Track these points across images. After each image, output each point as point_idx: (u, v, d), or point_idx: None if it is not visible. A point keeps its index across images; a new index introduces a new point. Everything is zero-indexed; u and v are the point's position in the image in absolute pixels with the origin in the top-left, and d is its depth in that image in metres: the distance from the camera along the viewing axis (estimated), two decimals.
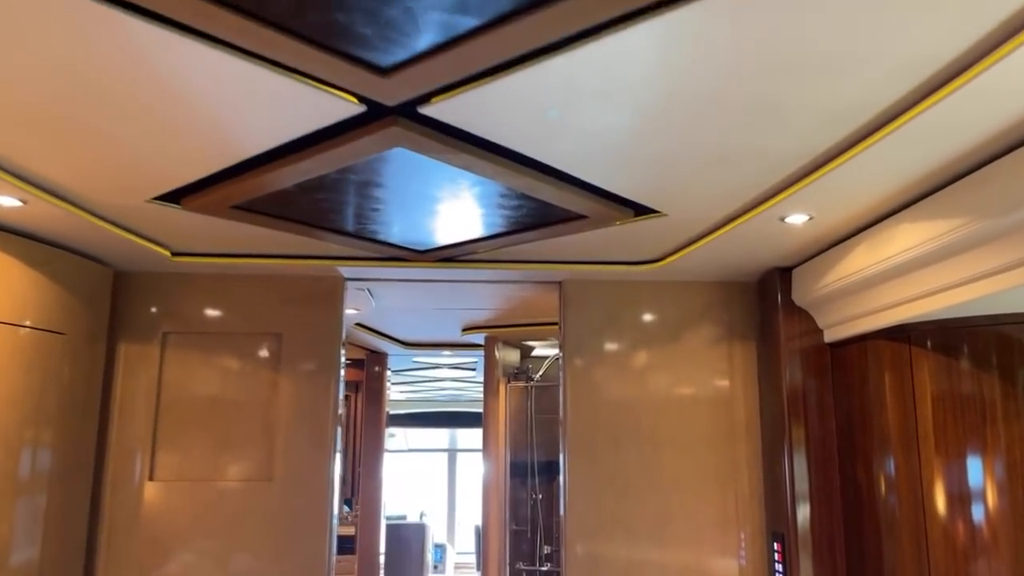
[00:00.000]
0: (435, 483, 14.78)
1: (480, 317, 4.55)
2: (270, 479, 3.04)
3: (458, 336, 5.01)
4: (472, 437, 14.36)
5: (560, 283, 3.30)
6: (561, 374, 3.26)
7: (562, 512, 3.14)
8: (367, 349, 5.68)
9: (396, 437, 14.19)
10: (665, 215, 2.43)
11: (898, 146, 1.81)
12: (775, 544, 2.94)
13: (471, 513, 13.58)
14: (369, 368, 5.82)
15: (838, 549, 2.83)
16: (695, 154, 1.93)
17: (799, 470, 2.88)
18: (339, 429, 3.20)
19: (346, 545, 6.43)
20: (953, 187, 2.03)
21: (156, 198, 2.31)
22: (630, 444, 3.16)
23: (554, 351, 5.32)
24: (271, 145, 1.90)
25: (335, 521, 3.12)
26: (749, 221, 2.39)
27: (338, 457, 3.20)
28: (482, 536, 4.74)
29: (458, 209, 2.43)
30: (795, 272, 2.98)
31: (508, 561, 4.72)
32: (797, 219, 2.36)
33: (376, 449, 5.71)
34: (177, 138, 1.86)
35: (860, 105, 1.65)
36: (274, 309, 3.17)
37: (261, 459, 3.06)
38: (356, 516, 5.88)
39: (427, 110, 1.68)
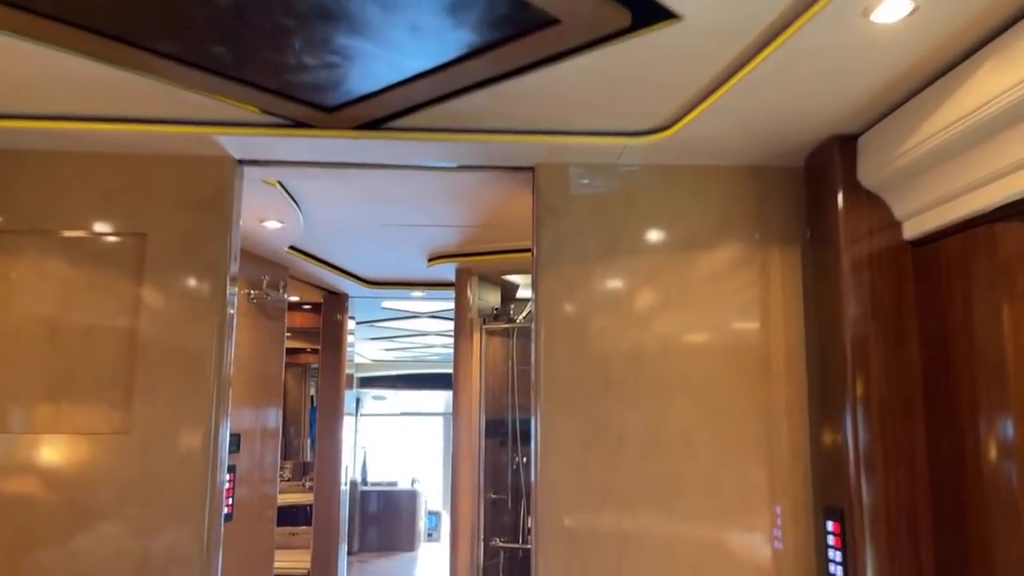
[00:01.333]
0: (431, 448, 14.12)
1: (447, 241, 3.69)
2: (127, 432, 2.21)
3: (424, 269, 4.15)
4: None
5: (532, 170, 2.42)
6: (533, 300, 2.40)
7: (533, 478, 2.31)
8: (322, 289, 4.84)
9: (387, 400, 13.50)
10: (680, 19, 1.54)
11: None
12: (829, 523, 2.10)
13: None
14: (327, 313, 4.99)
15: (922, 532, 1.98)
16: None
17: (865, 424, 2.02)
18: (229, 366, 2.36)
19: (305, 515, 5.69)
20: None
21: None
22: (626, 392, 2.31)
23: None
24: None
25: (223, 488, 2.30)
26: (811, 24, 1.50)
27: (223, 411, 2.37)
28: (451, 505, 3.95)
29: (365, 16, 1.55)
30: (863, 139, 2.09)
31: (482, 536, 3.93)
32: (892, 12, 1.46)
33: (334, 408, 4.90)
34: None
35: None
36: (136, 201, 2.30)
37: (116, 405, 2.22)
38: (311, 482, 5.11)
39: None
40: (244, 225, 3.05)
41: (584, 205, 2.39)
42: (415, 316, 6.30)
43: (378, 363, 11.51)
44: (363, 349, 9.74)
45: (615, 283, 2.37)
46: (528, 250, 3.62)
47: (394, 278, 4.62)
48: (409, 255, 3.94)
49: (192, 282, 2.29)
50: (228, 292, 2.32)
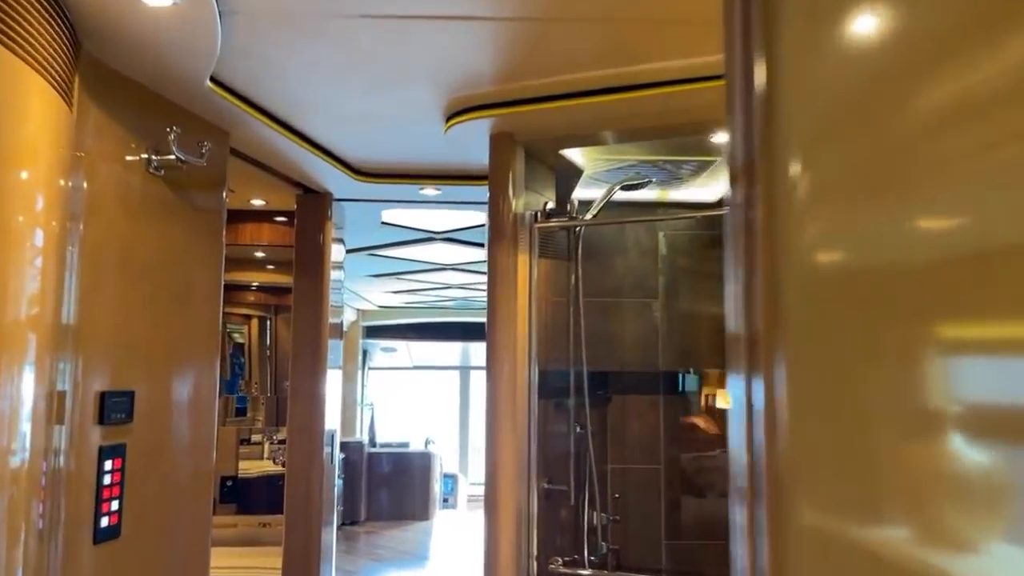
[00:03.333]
0: (445, 406, 12.96)
1: (478, 70, 2.17)
2: None
3: (440, 141, 2.65)
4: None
5: None
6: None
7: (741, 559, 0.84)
8: (294, 186, 3.36)
9: (398, 352, 12.21)
10: None
11: None
12: None
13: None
14: (302, 221, 3.51)
15: None
16: None
17: None
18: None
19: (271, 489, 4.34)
20: None
21: None
22: None
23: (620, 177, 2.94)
24: None
25: None
26: None
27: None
28: (487, 501, 2.52)
29: None
30: None
31: (535, 550, 2.51)
32: None
33: (313, 356, 3.47)
34: None
35: None
36: None
37: None
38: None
39: None
40: None
41: None
42: (427, 239, 4.83)
43: (386, 310, 10.15)
44: (367, 293, 8.34)
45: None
46: (628, 89, 2.12)
47: (395, 164, 3.13)
48: (415, 104, 2.43)
49: None
50: None
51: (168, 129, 2.11)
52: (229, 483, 5.57)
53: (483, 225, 4.37)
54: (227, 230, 3.96)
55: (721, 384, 3.55)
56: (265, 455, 6.29)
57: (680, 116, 2.28)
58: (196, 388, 2.41)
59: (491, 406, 2.50)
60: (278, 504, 3.63)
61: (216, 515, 4.87)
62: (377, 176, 3.22)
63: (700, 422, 3.56)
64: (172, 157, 2.15)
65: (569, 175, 2.96)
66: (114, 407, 2.01)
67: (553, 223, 2.64)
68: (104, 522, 1.99)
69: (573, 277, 2.83)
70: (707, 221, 3.61)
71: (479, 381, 13.03)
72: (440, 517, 9.39)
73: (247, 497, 5.53)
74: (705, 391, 3.57)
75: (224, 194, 2.61)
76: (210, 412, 2.48)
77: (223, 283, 2.58)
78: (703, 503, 3.47)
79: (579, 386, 2.80)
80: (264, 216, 3.90)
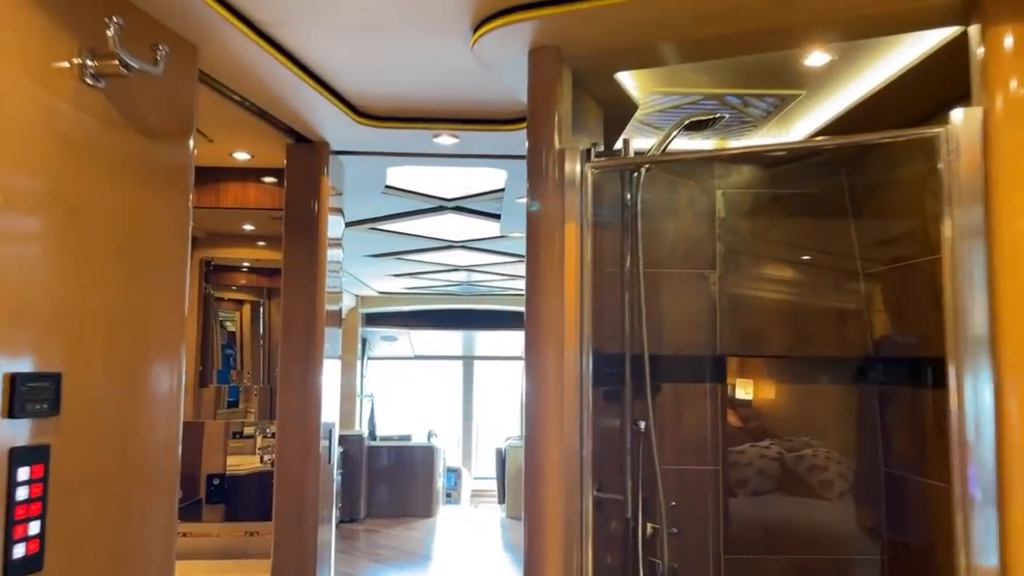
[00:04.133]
0: (448, 397, 12.53)
1: None
2: None
3: (464, 55, 2.09)
4: (493, 341, 11.86)
5: None
6: None
7: None
8: (284, 131, 2.78)
9: (399, 341, 11.71)
10: None
11: None
12: None
13: (491, 433, 11.35)
14: (293, 177, 2.94)
15: None
16: None
17: None
18: None
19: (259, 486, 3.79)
20: None
21: None
22: None
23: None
24: None
25: None
26: None
27: None
28: (527, 523, 1.97)
29: None
30: None
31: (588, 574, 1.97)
32: None
33: (307, 336, 2.92)
34: None
35: None
36: None
37: None
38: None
39: None
40: None
41: None
42: (436, 208, 4.26)
43: (386, 296, 9.62)
44: (367, 277, 7.78)
45: None
46: None
47: (404, 101, 2.56)
48: (434, 4, 1.87)
49: None
50: None
51: (107, 20, 1.55)
52: (216, 482, 5.06)
53: (502, 190, 3.82)
54: (207, 190, 3.39)
55: (743, 372, 3.06)
56: (257, 449, 5.79)
57: (786, 16, 1.73)
58: (155, 374, 1.86)
59: (533, 400, 1.96)
60: (270, 506, 3.12)
61: (201, 521, 4.33)
62: (383, 119, 2.66)
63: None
64: (115, 62, 1.60)
65: (620, 113, 2.41)
66: (31, 394, 1.46)
67: (609, 161, 2.08)
68: (18, 550, 1.45)
69: (629, 239, 2.28)
70: (769, 179, 3.07)
71: (483, 371, 12.52)
72: (443, 514, 8.96)
73: (236, 497, 5.01)
74: (727, 380, 3.06)
75: (191, 131, 2.05)
76: (174, 405, 1.93)
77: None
78: (763, 511, 2.95)
79: (637, 375, 2.26)
80: (249, 174, 3.34)
